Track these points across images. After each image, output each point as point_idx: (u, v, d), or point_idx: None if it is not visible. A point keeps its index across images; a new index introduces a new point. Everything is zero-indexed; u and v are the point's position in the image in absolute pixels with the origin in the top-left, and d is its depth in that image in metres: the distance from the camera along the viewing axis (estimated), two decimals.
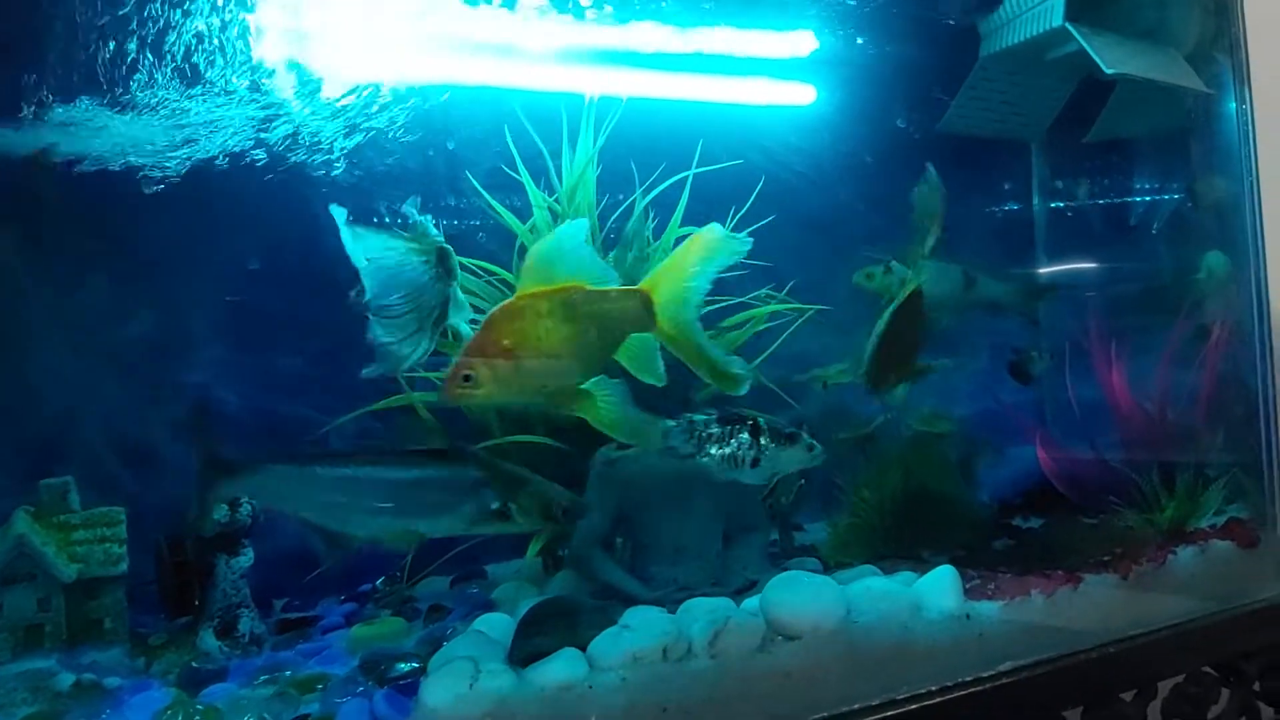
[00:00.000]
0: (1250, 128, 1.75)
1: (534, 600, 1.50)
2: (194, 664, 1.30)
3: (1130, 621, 1.45)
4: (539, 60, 1.68)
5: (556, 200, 1.67)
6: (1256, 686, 1.58)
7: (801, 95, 1.97)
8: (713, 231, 1.21)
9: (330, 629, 1.50)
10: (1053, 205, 2.17)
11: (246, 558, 1.43)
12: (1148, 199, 2.12)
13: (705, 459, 1.31)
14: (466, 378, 1.03)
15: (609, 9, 1.71)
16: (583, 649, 1.20)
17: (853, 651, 1.28)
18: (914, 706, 1.27)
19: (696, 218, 1.84)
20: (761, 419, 1.39)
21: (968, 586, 1.47)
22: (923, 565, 1.61)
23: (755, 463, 1.33)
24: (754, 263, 1.81)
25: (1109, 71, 1.62)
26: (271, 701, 1.17)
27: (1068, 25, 1.67)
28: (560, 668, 1.16)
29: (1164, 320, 1.87)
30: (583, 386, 1.14)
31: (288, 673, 1.27)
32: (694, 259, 1.18)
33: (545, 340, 1.08)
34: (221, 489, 1.17)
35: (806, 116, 1.96)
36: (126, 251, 1.59)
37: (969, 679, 1.32)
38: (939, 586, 1.39)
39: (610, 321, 1.14)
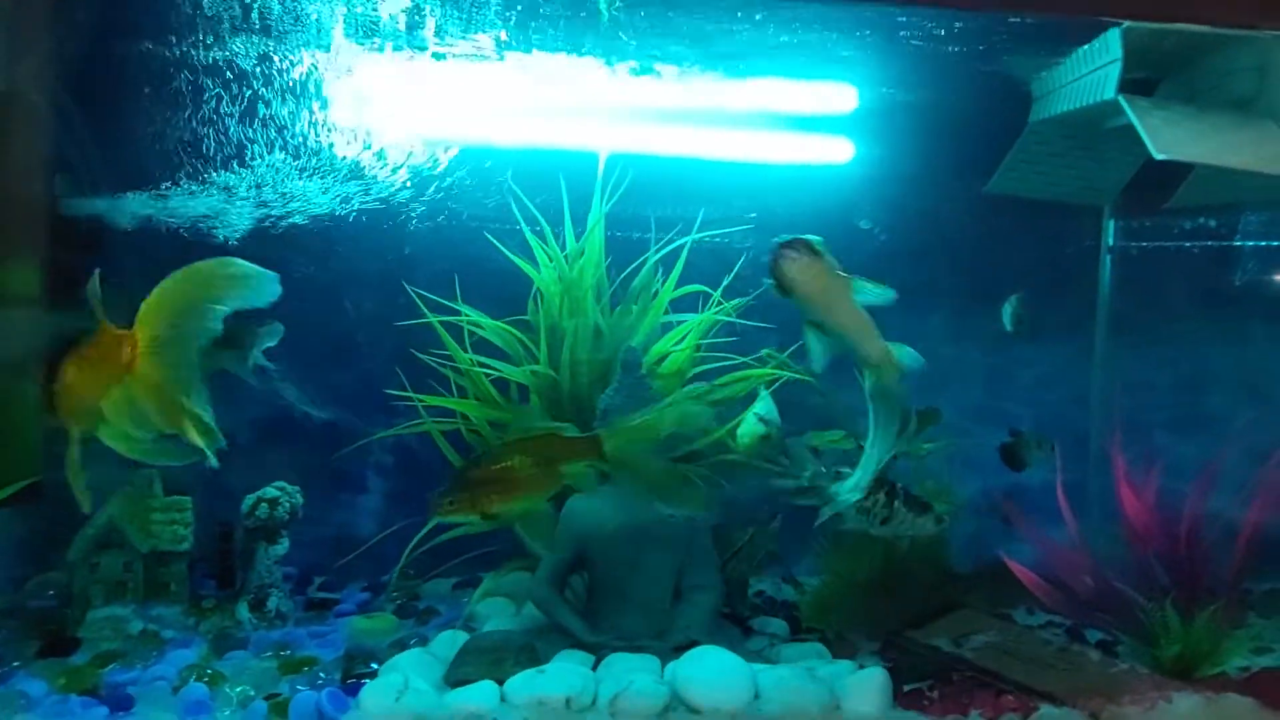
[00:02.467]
0: None
1: (507, 619, 1.72)
2: (227, 629, 1.63)
3: None
4: (549, 117, 1.82)
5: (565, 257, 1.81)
6: None
7: (826, 155, 1.94)
8: (207, 266, 1.08)
9: (344, 614, 1.80)
10: (1121, 274, 1.94)
11: (282, 547, 1.76)
12: (1238, 278, 1.83)
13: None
14: None
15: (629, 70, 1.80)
16: (502, 683, 1.37)
17: None
18: None
19: (707, 277, 1.90)
20: (900, 485, 1.51)
21: (907, 689, 1.45)
22: (888, 649, 1.61)
23: (884, 521, 1.48)
24: (758, 324, 1.87)
25: (1158, 156, 1.43)
26: (262, 675, 1.46)
27: (1120, 99, 1.49)
28: (474, 697, 1.34)
29: (1225, 421, 1.64)
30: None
31: (286, 651, 1.56)
32: (187, 296, 1.07)
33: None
34: None
35: (824, 178, 1.92)
36: None
37: None
38: (865, 688, 1.39)
39: (91, 373, 1.11)
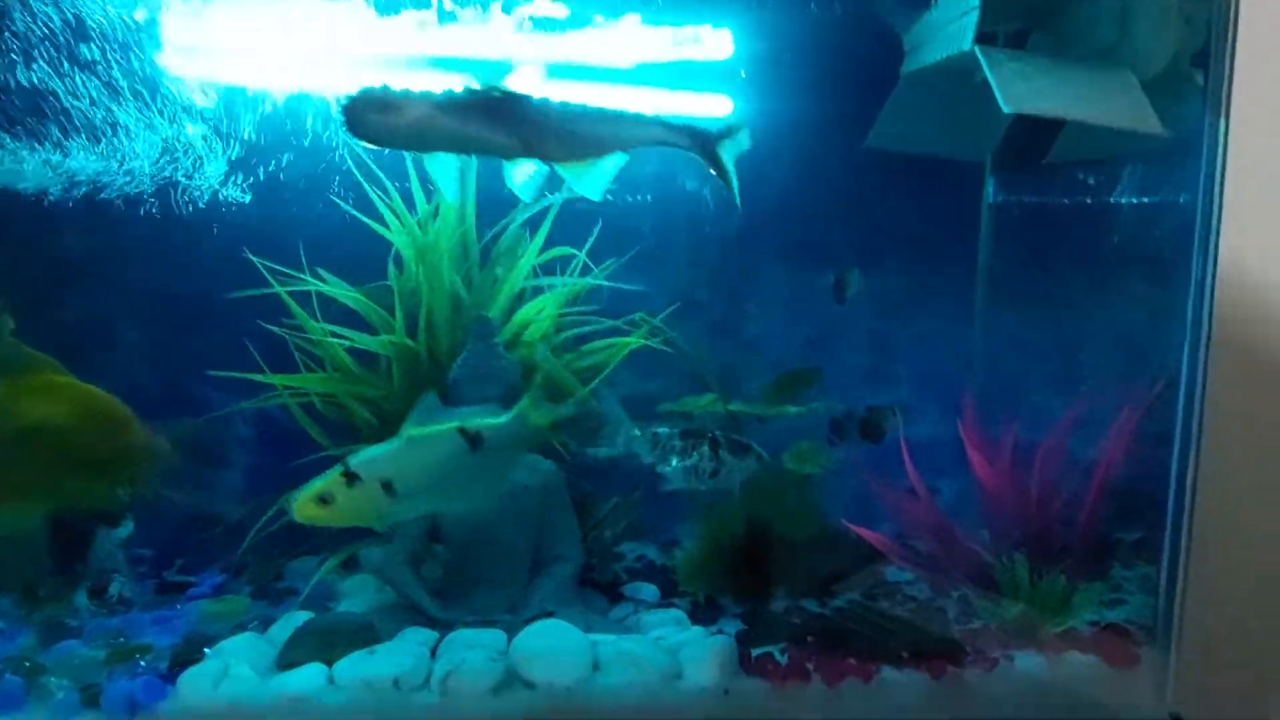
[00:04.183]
0: (1219, 163, 1.44)
1: (370, 596, 1.67)
2: (61, 619, 1.55)
3: None
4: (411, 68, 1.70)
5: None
6: None
7: (701, 109, 1.85)
8: None
9: (196, 597, 1.72)
10: (999, 231, 1.91)
11: (124, 530, 1.67)
12: (1116, 235, 1.82)
13: (667, 469, 1.40)
14: None
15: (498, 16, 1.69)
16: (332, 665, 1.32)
17: (589, 708, 1.31)
18: None
19: (573, 239, 1.83)
20: (720, 434, 1.43)
21: (756, 654, 1.44)
22: (746, 613, 1.60)
23: (714, 474, 1.41)
24: (626, 287, 1.81)
25: (1006, 109, 1.38)
26: (90, 665, 1.39)
27: (976, 50, 1.44)
28: (299, 680, 1.29)
29: (1094, 378, 1.63)
30: None
31: (120, 639, 1.49)
32: None
33: None
34: None
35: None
36: None
37: None
38: (707, 656, 1.37)
39: None
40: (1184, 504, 1.45)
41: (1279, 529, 1.77)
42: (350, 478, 1.18)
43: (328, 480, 1.19)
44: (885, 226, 1.93)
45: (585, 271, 1.78)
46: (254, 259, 1.66)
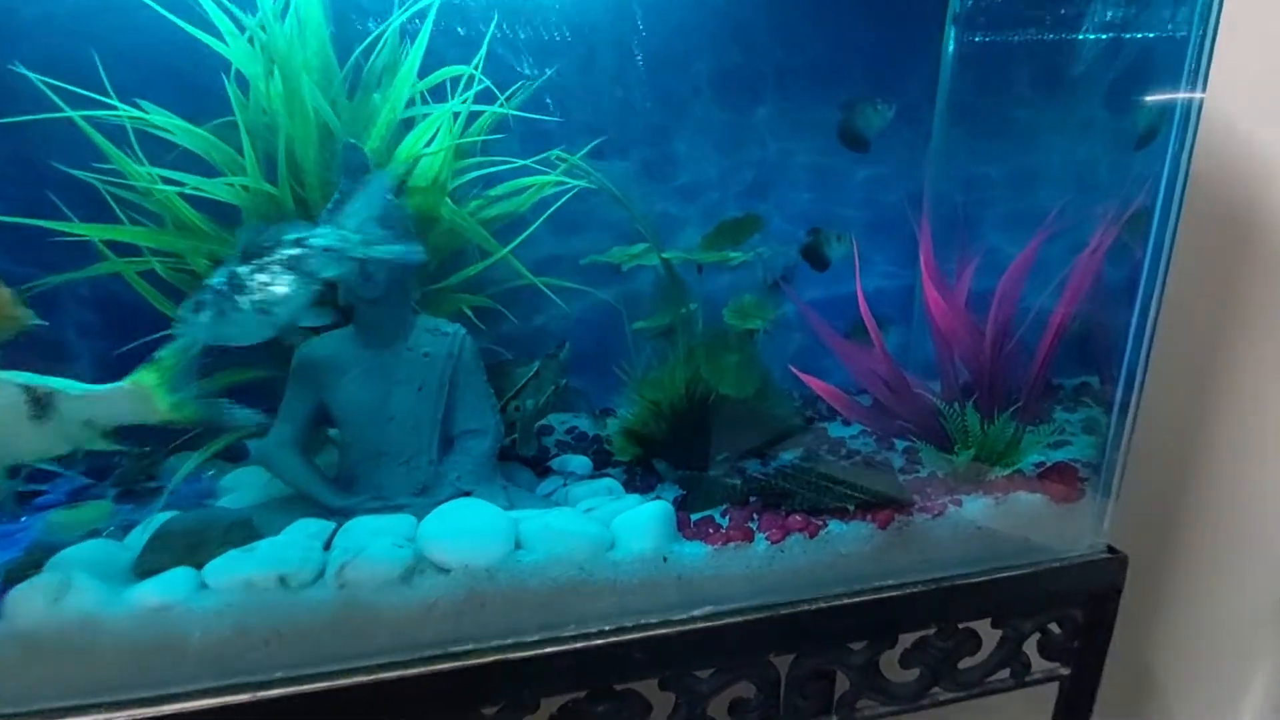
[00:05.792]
0: None
1: (257, 491, 1.45)
2: None
3: (874, 576, 1.29)
4: None
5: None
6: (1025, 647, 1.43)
7: None
8: None
9: (46, 506, 1.46)
10: (966, 49, 1.68)
11: None
12: (1091, 51, 1.62)
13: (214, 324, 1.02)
14: None
15: None
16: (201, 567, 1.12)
17: (513, 587, 1.16)
18: (580, 645, 1.18)
19: (463, 57, 1.49)
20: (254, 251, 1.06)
21: (696, 518, 1.33)
22: (685, 479, 1.48)
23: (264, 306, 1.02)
24: (539, 117, 1.52)
25: None
26: None
27: None
28: (159, 588, 1.08)
29: (1047, 213, 1.49)
30: None
31: None
32: None
33: None
34: None
35: None
36: None
37: (654, 620, 1.21)
38: (641, 524, 1.24)
39: None
40: (1140, 349, 1.37)
41: (1218, 372, 1.75)
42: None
43: None
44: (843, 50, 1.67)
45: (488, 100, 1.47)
46: (34, 76, 1.27)
